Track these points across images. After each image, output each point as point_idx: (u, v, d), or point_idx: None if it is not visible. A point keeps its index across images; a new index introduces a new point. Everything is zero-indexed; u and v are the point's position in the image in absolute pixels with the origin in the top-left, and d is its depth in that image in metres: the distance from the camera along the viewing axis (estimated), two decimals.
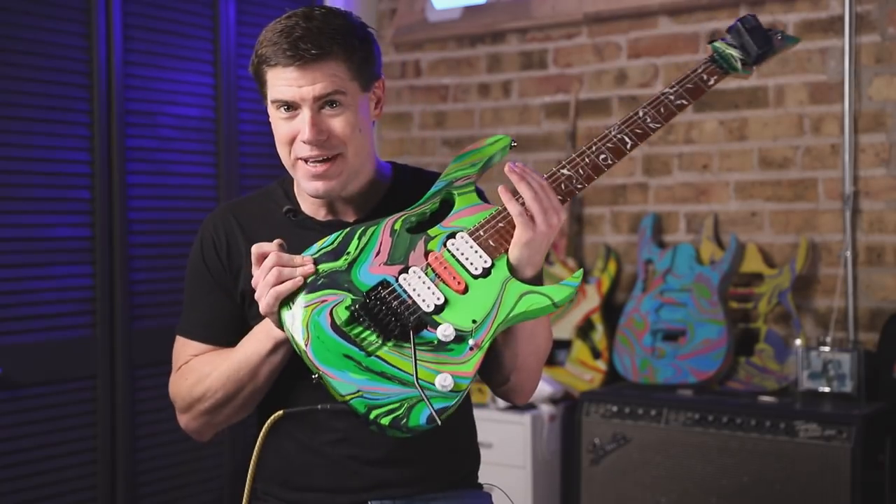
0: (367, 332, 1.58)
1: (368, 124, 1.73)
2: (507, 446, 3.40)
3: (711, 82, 1.79)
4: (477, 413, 1.90)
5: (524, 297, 1.59)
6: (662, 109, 1.73)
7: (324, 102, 1.66)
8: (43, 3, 3.01)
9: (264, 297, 1.59)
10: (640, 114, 1.71)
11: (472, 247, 1.63)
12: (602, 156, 1.68)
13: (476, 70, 4.08)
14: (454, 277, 1.61)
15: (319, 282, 1.60)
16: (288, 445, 1.77)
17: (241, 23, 3.57)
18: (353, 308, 1.59)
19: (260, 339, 1.68)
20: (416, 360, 1.55)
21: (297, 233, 1.75)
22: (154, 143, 3.32)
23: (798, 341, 3.23)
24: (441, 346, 1.57)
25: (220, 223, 1.81)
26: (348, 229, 1.65)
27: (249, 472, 1.62)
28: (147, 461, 3.27)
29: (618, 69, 3.76)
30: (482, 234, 1.64)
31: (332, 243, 1.64)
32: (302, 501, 1.76)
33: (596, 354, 3.61)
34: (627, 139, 1.69)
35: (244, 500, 1.64)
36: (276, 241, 1.63)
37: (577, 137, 3.85)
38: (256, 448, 1.61)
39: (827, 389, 3.13)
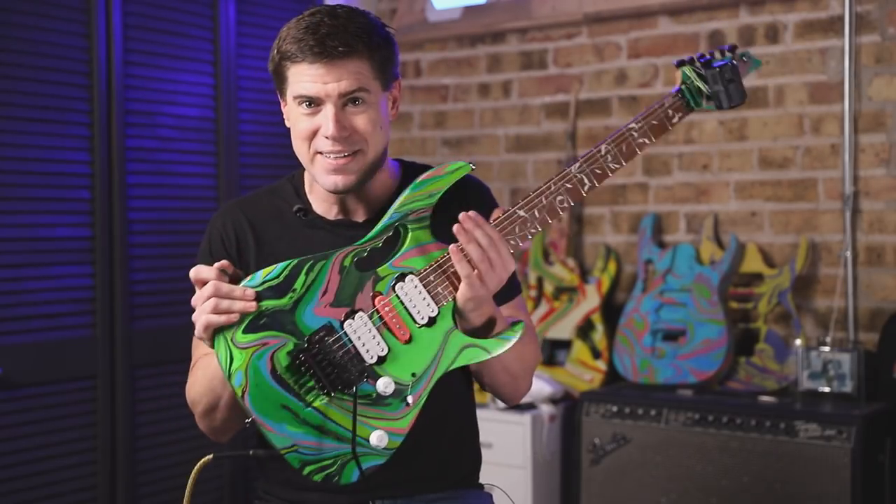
0: (308, 381, 1.56)
1: (387, 123, 1.73)
2: (507, 446, 3.40)
3: (675, 119, 1.76)
4: (477, 413, 1.90)
5: (465, 350, 1.59)
6: (624, 148, 1.71)
7: (347, 99, 1.66)
8: (43, 3, 3.01)
9: (198, 322, 1.56)
10: (602, 150, 1.68)
11: (420, 293, 1.60)
12: (559, 198, 1.65)
13: (476, 70, 4.08)
14: (399, 327, 1.59)
15: (262, 321, 1.56)
16: None
17: (241, 23, 3.57)
18: (294, 354, 1.55)
19: None
20: (355, 419, 1.53)
21: (307, 232, 1.75)
22: (154, 143, 3.32)
23: (798, 341, 3.22)
24: (379, 400, 1.56)
25: (229, 221, 1.81)
26: (296, 261, 1.60)
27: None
28: (147, 461, 3.27)
29: (618, 69, 3.76)
30: (432, 279, 1.61)
31: (278, 276, 1.58)
32: (302, 500, 1.76)
33: (596, 354, 3.61)
34: (586, 179, 1.66)
35: None
36: (217, 265, 1.59)
37: (577, 137, 3.85)
38: (187, 490, 1.59)
39: (827, 389, 3.13)
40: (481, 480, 1.89)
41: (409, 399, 1.57)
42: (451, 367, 1.59)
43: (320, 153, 1.68)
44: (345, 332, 1.58)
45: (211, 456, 1.58)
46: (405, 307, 1.59)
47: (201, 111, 3.46)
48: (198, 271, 1.59)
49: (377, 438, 1.54)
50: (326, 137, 1.66)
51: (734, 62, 1.74)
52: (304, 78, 1.65)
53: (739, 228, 3.52)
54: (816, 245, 3.39)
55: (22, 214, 2.98)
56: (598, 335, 3.61)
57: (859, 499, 2.87)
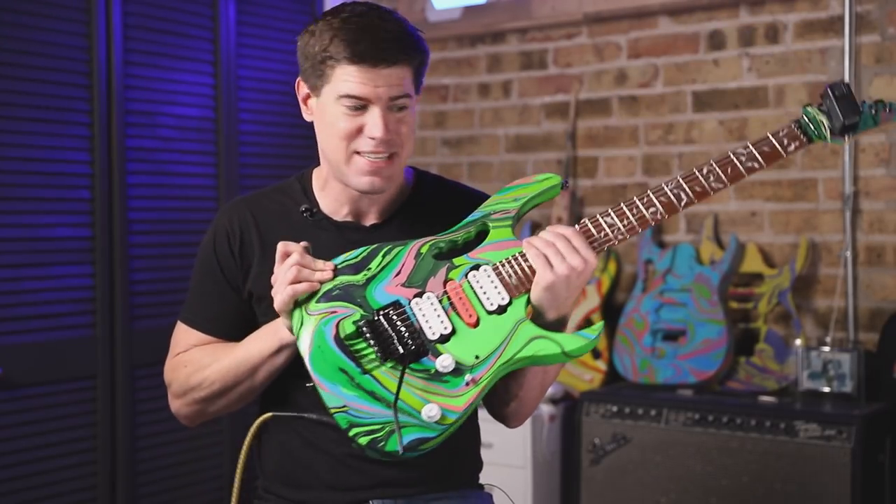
0: (368, 349, 1.58)
1: (415, 127, 1.76)
2: (507, 446, 3.40)
3: (792, 148, 1.69)
4: (478, 412, 1.90)
5: (534, 341, 1.57)
6: (730, 170, 1.68)
7: (394, 103, 1.68)
8: (43, 3, 3.01)
9: (280, 294, 1.60)
10: (705, 170, 1.67)
11: (492, 282, 1.61)
12: (651, 209, 1.66)
13: (476, 70, 4.08)
14: (467, 310, 1.60)
15: (334, 292, 1.62)
16: (291, 442, 1.77)
17: (241, 23, 3.57)
18: (359, 323, 1.59)
19: (265, 338, 1.69)
20: (400, 384, 1.54)
21: (312, 232, 1.76)
22: (154, 143, 3.32)
23: (798, 341, 3.22)
24: (437, 377, 1.56)
25: (235, 217, 1.81)
26: (375, 245, 1.66)
27: (239, 466, 1.63)
28: (147, 461, 3.26)
29: (618, 69, 3.76)
30: (506, 269, 1.62)
31: (356, 257, 1.65)
32: (303, 499, 1.77)
33: (596, 354, 3.61)
34: (683, 195, 1.67)
35: (234, 500, 1.65)
36: (303, 244, 1.64)
37: (577, 137, 3.85)
38: (245, 445, 1.63)
39: (827, 389, 3.13)
40: (481, 480, 1.89)
41: (468, 377, 1.56)
42: (519, 356, 1.57)
43: (358, 153, 1.69)
44: (410, 309, 1.60)
45: (270, 414, 1.64)
46: (475, 293, 1.61)
47: (201, 111, 3.46)
48: (286, 245, 1.63)
49: (428, 410, 1.54)
50: (372, 139, 1.67)
51: (846, 85, 1.68)
52: (354, 78, 1.65)
53: (739, 228, 3.52)
54: (816, 245, 3.39)
55: (22, 214, 2.98)
56: None
57: (859, 499, 2.87)
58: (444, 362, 1.56)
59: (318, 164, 1.83)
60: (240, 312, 1.78)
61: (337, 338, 1.58)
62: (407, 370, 1.55)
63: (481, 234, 1.68)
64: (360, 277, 1.63)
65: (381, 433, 1.54)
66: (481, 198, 1.80)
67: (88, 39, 3.11)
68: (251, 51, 3.61)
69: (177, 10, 3.38)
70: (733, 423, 3.05)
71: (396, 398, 1.54)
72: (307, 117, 1.77)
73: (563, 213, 3.75)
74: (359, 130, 1.68)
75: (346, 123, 1.68)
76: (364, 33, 1.65)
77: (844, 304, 3.31)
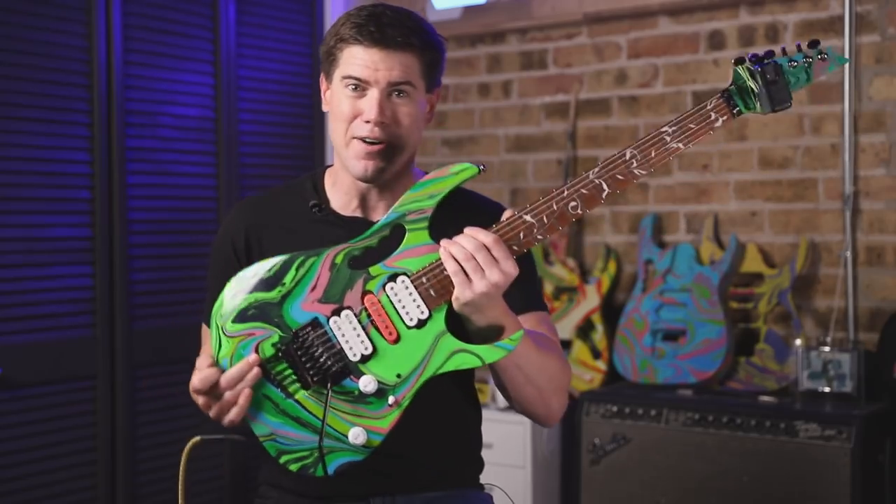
0: (289, 373, 1.58)
1: (422, 124, 1.75)
2: (507, 446, 3.40)
3: (718, 122, 1.62)
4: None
5: (455, 354, 1.56)
6: (653, 153, 1.60)
7: (393, 89, 1.68)
8: (43, 3, 3.01)
9: (227, 417, 1.57)
10: (627, 155, 1.57)
11: (411, 294, 1.57)
12: (572, 203, 1.57)
13: (476, 70, 4.08)
14: (387, 326, 1.57)
15: (250, 312, 1.59)
16: None
17: (241, 23, 3.57)
18: (278, 346, 1.58)
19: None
20: (326, 410, 1.54)
21: (321, 227, 1.76)
22: (154, 143, 3.32)
23: (798, 341, 3.22)
24: (360, 398, 1.56)
25: (242, 218, 1.82)
26: (287, 257, 1.61)
27: (179, 490, 1.61)
28: (147, 461, 3.26)
29: (618, 69, 3.76)
30: (424, 281, 1.57)
31: (269, 271, 1.60)
32: (305, 490, 1.77)
33: (596, 354, 3.61)
34: (605, 185, 1.57)
35: None
36: (209, 375, 1.58)
37: (577, 137, 3.85)
38: (181, 469, 1.61)
39: (827, 389, 3.13)
40: (481, 480, 1.89)
41: (391, 399, 1.56)
42: (441, 371, 1.57)
43: (355, 138, 1.69)
44: (330, 328, 1.58)
45: (199, 438, 1.62)
46: (394, 307, 1.58)
47: (201, 111, 3.46)
48: (201, 382, 1.57)
49: (354, 435, 1.55)
50: (367, 122, 1.67)
51: (798, 57, 1.58)
52: (356, 60, 1.68)
53: (739, 228, 3.52)
54: (816, 245, 3.39)
55: (22, 214, 2.98)
56: (598, 335, 3.61)
57: (859, 499, 2.87)
58: (366, 385, 1.55)
59: (323, 164, 1.84)
60: None
61: (260, 362, 1.57)
62: (331, 394, 1.55)
63: (397, 235, 1.62)
64: (274, 294, 1.59)
65: (310, 460, 1.55)
66: (494, 206, 1.78)
67: (88, 39, 3.11)
68: (251, 51, 3.61)
69: (177, 10, 3.38)
70: (733, 423, 3.05)
71: (323, 425, 1.54)
72: (324, 108, 1.79)
73: None
74: (357, 113, 1.69)
75: (346, 105, 1.69)
76: (371, 19, 1.68)
77: (844, 304, 3.31)
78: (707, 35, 3.58)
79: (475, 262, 1.53)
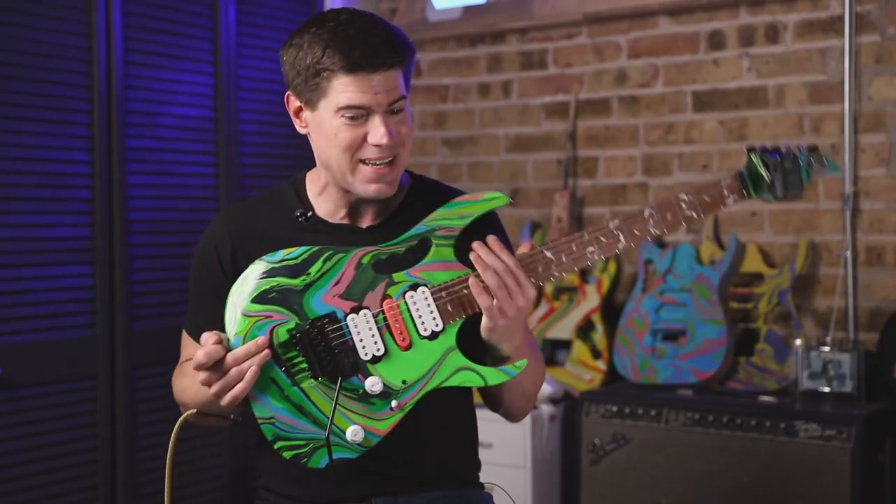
0: (300, 361, 1.59)
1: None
2: (507, 446, 3.40)
3: (730, 201, 1.71)
4: (477, 413, 1.90)
5: (460, 371, 1.61)
6: (669, 216, 1.67)
7: (392, 107, 1.67)
8: (43, 3, 3.01)
9: (227, 396, 1.57)
10: (646, 214, 1.66)
11: (429, 305, 1.62)
12: (590, 248, 1.64)
13: (476, 70, 4.08)
14: (401, 332, 1.61)
15: (271, 295, 1.61)
16: None
17: (241, 23, 3.57)
18: (293, 333, 1.60)
19: None
20: (335, 406, 1.56)
21: (307, 236, 1.75)
22: (154, 143, 3.32)
23: (798, 341, 3.22)
24: (364, 397, 1.59)
25: (225, 227, 1.80)
26: (317, 248, 1.65)
27: (168, 465, 1.60)
28: (147, 461, 3.26)
29: (618, 69, 3.76)
30: (443, 295, 1.62)
31: (296, 257, 1.64)
32: (304, 495, 1.77)
33: (596, 354, 3.61)
34: (623, 238, 1.64)
35: (166, 497, 1.61)
36: (212, 345, 1.58)
37: (577, 137, 3.85)
38: (171, 442, 1.60)
39: (827, 389, 3.13)
40: (481, 480, 1.90)
41: (394, 404, 1.59)
42: (444, 385, 1.61)
43: (364, 162, 1.68)
44: (346, 324, 1.61)
45: (195, 411, 1.62)
46: (411, 315, 1.61)
47: (201, 111, 3.46)
48: (206, 352, 1.57)
49: (352, 433, 1.56)
50: (377, 146, 1.65)
51: (802, 157, 1.70)
52: (353, 88, 1.63)
53: (739, 228, 3.52)
54: (816, 245, 3.39)
55: (22, 214, 2.98)
56: (598, 335, 3.61)
57: (859, 499, 2.87)
58: (372, 386, 1.58)
59: (310, 167, 1.83)
60: None
61: (270, 345, 1.59)
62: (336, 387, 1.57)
63: (423, 247, 1.67)
64: (298, 282, 1.62)
65: (305, 449, 1.56)
66: (454, 192, 1.82)
67: (88, 39, 3.11)
68: (251, 51, 3.61)
69: (177, 10, 3.38)
70: (733, 423, 3.05)
71: (331, 421, 1.55)
72: (301, 130, 1.75)
73: (563, 213, 3.76)
74: (362, 140, 1.66)
75: (348, 134, 1.66)
76: (356, 41, 1.63)
77: (844, 304, 3.31)
78: (707, 35, 3.58)
79: (506, 290, 1.59)
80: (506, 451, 3.40)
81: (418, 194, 1.82)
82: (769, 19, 3.46)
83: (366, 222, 1.78)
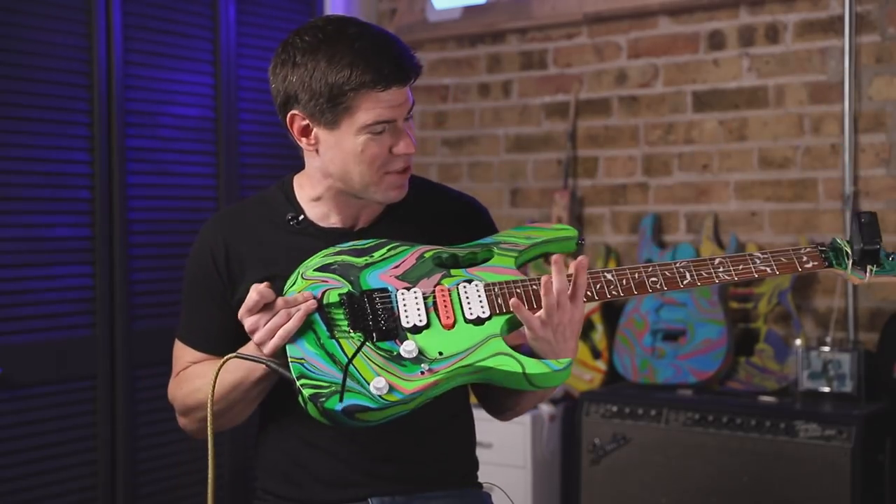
0: (343, 318, 1.62)
1: None
2: (507, 446, 3.40)
3: (809, 265, 1.74)
4: (477, 413, 1.90)
5: (499, 355, 1.60)
6: (741, 266, 1.71)
7: (407, 116, 1.71)
8: (43, 3, 3.01)
9: (268, 345, 1.60)
10: (716, 261, 1.71)
11: (480, 296, 1.66)
12: (653, 278, 1.68)
13: (476, 70, 4.08)
14: (447, 313, 1.64)
15: (333, 266, 1.67)
16: (289, 441, 1.77)
17: (241, 23, 3.57)
18: (343, 296, 1.63)
19: (254, 366, 1.67)
20: (358, 350, 1.58)
21: (298, 239, 1.76)
22: (154, 143, 3.32)
23: (798, 341, 3.22)
24: (397, 358, 1.59)
25: (218, 233, 1.79)
26: (385, 239, 1.72)
27: (209, 411, 1.63)
28: (147, 461, 3.27)
29: (618, 69, 3.76)
30: (495, 289, 1.66)
31: (364, 244, 1.71)
32: (302, 498, 1.76)
33: (596, 354, 3.61)
34: (688, 276, 1.69)
35: (209, 454, 1.64)
36: (264, 286, 1.62)
37: (577, 137, 3.85)
38: (211, 389, 1.63)
39: (827, 389, 3.13)
40: (481, 480, 1.90)
41: (425, 367, 1.58)
42: (480, 364, 1.59)
43: (389, 172, 1.71)
44: (395, 297, 1.65)
45: (233, 355, 1.63)
46: (460, 301, 1.65)
47: (201, 111, 3.46)
48: (257, 290, 1.61)
49: (377, 383, 1.55)
50: (405, 155, 1.70)
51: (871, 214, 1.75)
52: (383, 104, 1.65)
53: (739, 228, 3.52)
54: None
55: (22, 214, 2.98)
56: (598, 335, 3.62)
57: (859, 499, 2.87)
58: (407, 347, 1.59)
59: (295, 171, 1.84)
60: (230, 328, 1.74)
61: (320, 301, 1.63)
62: (371, 346, 1.59)
63: (485, 256, 1.73)
64: (360, 261, 1.68)
65: (326, 390, 1.55)
66: (466, 200, 1.87)
67: (88, 39, 3.11)
68: (251, 51, 3.61)
69: (177, 10, 3.38)
70: (733, 423, 3.05)
71: (352, 357, 1.57)
72: (307, 148, 1.75)
73: (563, 213, 3.76)
74: (388, 151, 1.68)
75: (375, 149, 1.68)
76: (382, 57, 1.64)
77: (844, 304, 3.31)
78: (707, 35, 3.58)
79: (550, 318, 1.61)
80: (506, 451, 3.40)
81: (410, 193, 1.82)
82: (769, 19, 3.46)
83: (358, 225, 1.79)
